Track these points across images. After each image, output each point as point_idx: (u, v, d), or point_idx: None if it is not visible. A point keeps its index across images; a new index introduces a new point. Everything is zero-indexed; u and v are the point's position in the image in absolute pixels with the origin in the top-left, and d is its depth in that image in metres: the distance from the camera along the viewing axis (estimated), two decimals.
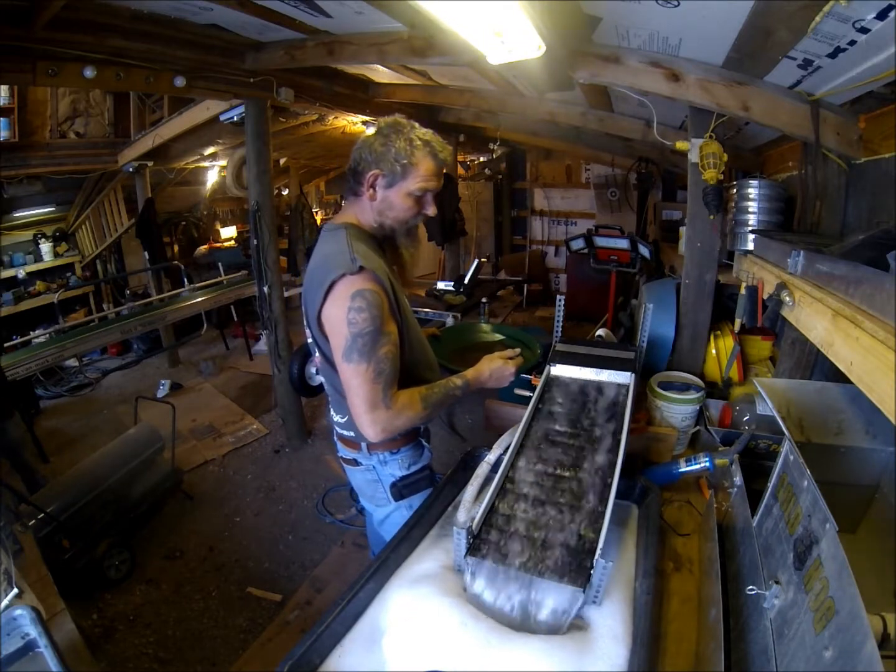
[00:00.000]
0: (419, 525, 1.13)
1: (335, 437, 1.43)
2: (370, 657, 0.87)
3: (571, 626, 0.89)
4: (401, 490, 1.34)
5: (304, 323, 1.29)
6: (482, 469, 1.21)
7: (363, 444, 1.32)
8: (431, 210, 1.26)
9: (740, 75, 1.48)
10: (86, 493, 2.45)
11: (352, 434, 1.33)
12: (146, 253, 4.92)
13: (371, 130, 1.24)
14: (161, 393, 4.44)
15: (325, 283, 1.12)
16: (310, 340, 1.30)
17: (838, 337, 0.82)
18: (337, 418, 1.36)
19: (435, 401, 1.24)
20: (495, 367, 1.34)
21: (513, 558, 0.92)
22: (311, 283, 1.19)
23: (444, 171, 1.26)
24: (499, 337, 2.19)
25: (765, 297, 1.29)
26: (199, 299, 4.52)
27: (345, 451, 1.39)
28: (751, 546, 0.96)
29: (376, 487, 1.37)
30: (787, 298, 1.08)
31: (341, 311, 1.11)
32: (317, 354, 1.29)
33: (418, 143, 1.18)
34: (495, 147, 5.27)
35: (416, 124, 1.22)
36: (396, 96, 3.48)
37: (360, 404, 1.13)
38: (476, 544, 0.95)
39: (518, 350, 1.44)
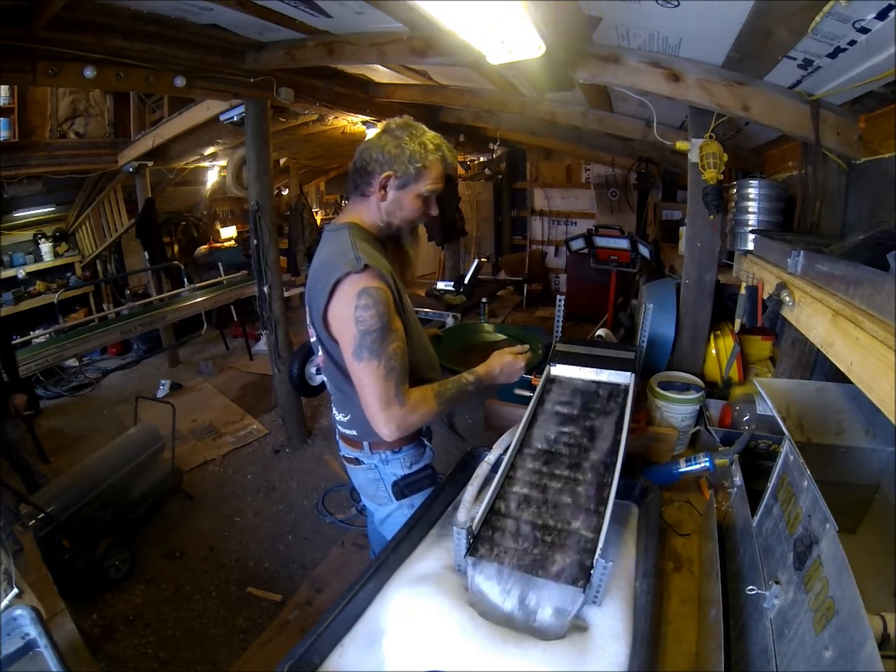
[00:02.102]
0: (419, 525, 1.13)
1: (337, 436, 1.43)
2: (370, 657, 0.87)
3: (572, 625, 0.89)
4: (402, 489, 1.34)
5: (308, 322, 1.29)
6: (482, 469, 1.21)
7: (365, 443, 1.32)
8: (434, 210, 1.30)
9: (740, 75, 1.49)
10: (86, 493, 2.45)
11: (354, 433, 1.33)
12: (146, 253, 4.92)
13: (375, 131, 1.26)
14: (161, 393, 4.44)
15: (330, 281, 1.12)
16: (313, 339, 1.30)
17: (838, 337, 0.82)
18: (339, 417, 1.36)
19: (448, 397, 1.24)
20: (506, 362, 1.35)
21: (513, 558, 0.92)
22: (316, 282, 1.19)
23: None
24: (500, 337, 2.20)
25: (765, 297, 1.29)
26: (199, 299, 4.52)
27: (347, 450, 1.39)
28: (751, 546, 0.95)
29: (378, 486, 1.37)
30: (787, 298, 1.08)
31: (348, 310, 1.11)
32: (320, 353, 1.29)
33: (431, 147, 1.20)
34: (495, 147, 5.27)
35: (425, 127, 1.24)
36: (396, 96, 3.48)
37: (374, 402, 1.13)
38: (476, 544, 0.95)
39: (527, 346, 1.45)
